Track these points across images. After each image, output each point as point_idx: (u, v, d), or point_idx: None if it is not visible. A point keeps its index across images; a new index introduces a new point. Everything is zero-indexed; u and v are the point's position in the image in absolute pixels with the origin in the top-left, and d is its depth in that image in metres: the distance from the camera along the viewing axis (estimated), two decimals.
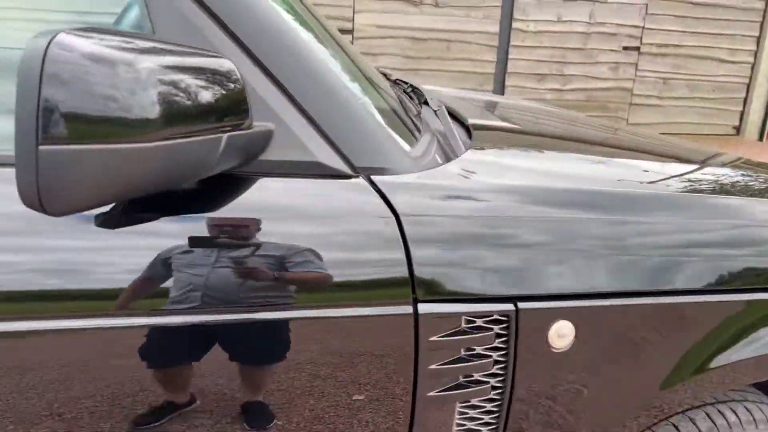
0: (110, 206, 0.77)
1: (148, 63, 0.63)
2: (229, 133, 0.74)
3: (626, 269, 0.96)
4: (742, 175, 1.34)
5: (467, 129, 1.32)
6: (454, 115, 1.43)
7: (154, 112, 0.62)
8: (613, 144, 1.53)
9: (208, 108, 0.70)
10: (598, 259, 0.95)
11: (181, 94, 0.66)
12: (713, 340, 1.00)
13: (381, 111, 1.01)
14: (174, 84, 0.66)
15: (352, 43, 7.14)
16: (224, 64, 0.75)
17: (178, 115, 0.66)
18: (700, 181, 1.21)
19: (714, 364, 1.01)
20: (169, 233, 0.81)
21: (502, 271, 0.92)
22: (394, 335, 0.88)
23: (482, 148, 1.16)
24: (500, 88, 8.10)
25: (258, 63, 0.85)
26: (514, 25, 7.81)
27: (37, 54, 0.56)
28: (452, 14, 7.71)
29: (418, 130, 1.16)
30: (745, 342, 1.01)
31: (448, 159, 1.07)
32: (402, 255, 0.87)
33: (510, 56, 7.94)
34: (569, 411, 0.98)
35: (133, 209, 0.80)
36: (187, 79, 0.68)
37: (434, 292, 0.89)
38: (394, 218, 0.88)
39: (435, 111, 1.26)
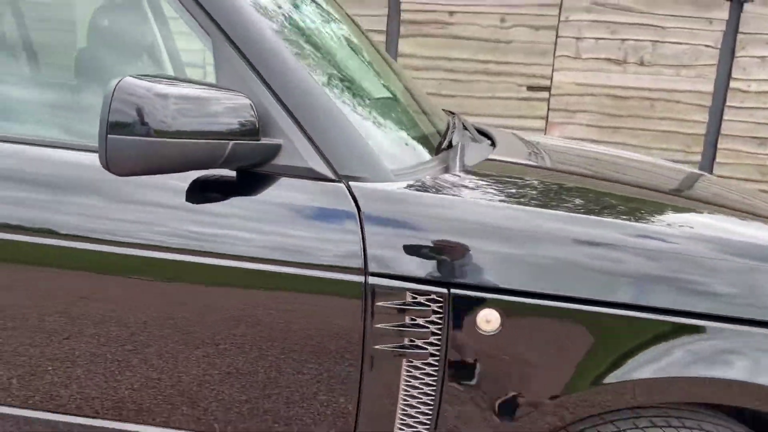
0: None
1: (176, 92, 1.05)
2: (234, 142, 1.12)
3: (547, 275, 1.13)
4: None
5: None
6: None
7: (176, 125, 1.04)
8: (594, 175, 1.64)
9: (219, 125, 1.10)
10: (518, 261, 1.14)
11: (200, 116, 1.07)
12: (611, 355, 1.10)
13: (374, 136, 1.33)
14: (195, 110, 1.07)
15: (548, 99, 7.32)
16: (243, 100, 1.15)
17: (194, 130, 1.07)
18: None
19: (611, 379, 1.10)
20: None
21: (440, 261, 1.17)
22: (350, 297, 1.18)
23: (464, 173, 1.41)
24: (711, 151, 7.53)
25: (279, 101, 1.23)
26: (732, 84, 7.26)
27: (112, 86, 1.02)
28: (660, 72, 7.44)
29: (434, 154, 1.45)
30: (646, 361, 1.09)
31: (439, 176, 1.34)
32: (359, 239, 1.18)
33: (725, 117, 7.37)
34: (491, 388, 1.16)
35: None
36: (208, 107, 1.09)
37: (382, 269, 1.18)
38: (357, 213, 1.20)
39: (452, 144, 1.53)
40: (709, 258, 1.15)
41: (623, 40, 7.48)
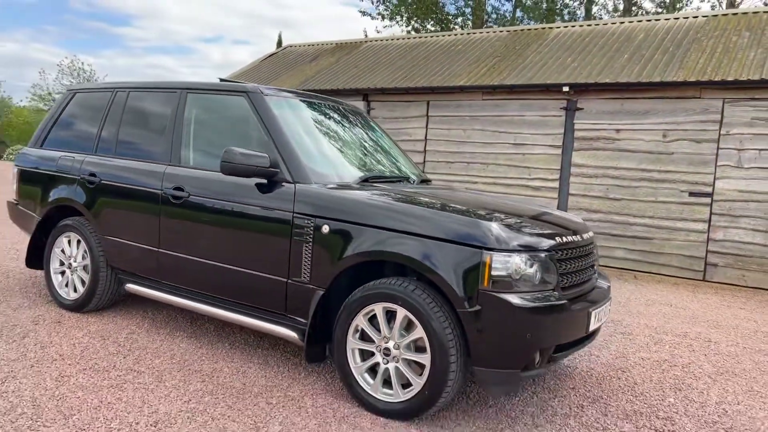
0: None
1: (241, 151, 3.35)
2: (257, 168, 3.37)
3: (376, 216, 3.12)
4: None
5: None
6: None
7: (238, 161, 3.32)
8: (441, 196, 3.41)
9: (251, 162, 3.34)
10: (335, 208, 3.15)
11: (247, 161, 3.34)
12: (343, 247, 3.02)
13: (316, 170, 3.46)
14: (246, 158, 3.33)
15: (710, 204, 7.98)
16: (264, 155, 3.38)
17: (244, 163, 3.34)
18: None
19: (345, 254, 3.02)
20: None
21: (311, 207, 3.24)
22: (286, 222, 3.32)
23: (347, 186, 3.44)
24: None
25: (282, 159, 3.45)
26: None
27: (226, 149, 3.37)
28: None
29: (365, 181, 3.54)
30: (351, 248, 2.98)
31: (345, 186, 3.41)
32: (292, 201, 3.33)
33: None
34: (327, 253, 3.15)
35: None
36: (251, 158, 3.35)
37: (298, 211, 3.30)
38: (293, 193, 3.35)
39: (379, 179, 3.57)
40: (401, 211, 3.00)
41: None
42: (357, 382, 3.06)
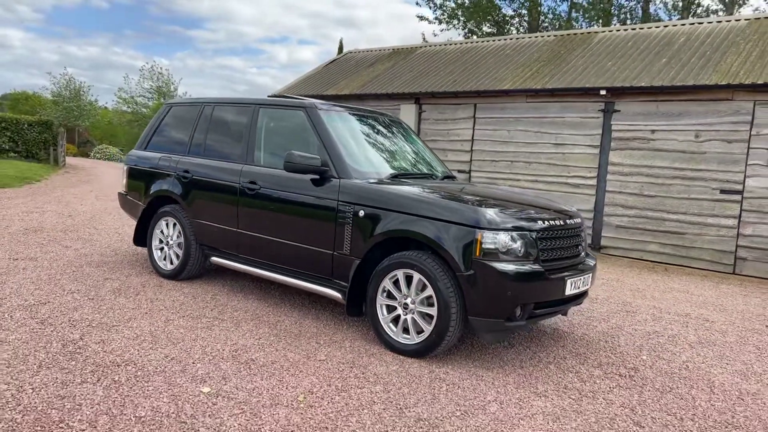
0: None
1: (300, 153, 4.36)
2: (311, 166, 4.36)
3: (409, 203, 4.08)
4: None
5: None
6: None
7: (297, 161, 4.34)
8: (462, 190, 4.30)
9: (307, 162, 4.34)
10: (370, 197, 4.11)
11: (305, 161, 4.35)
12: (373, 227, 3.97)
13: (356, 167, 4.43)
14: (304, 159, 4.34)
15: (740, 201, 8.47)
16: (316, 157, 4.38)
17: (301, 163, 4.36)
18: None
19: (375, 232, 3.96)
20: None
21: (353, 196, 4.22)
22: (332, 209, 4.31)
23: (380, 181, 4.39)
24: None
25: (330, 159, 4.44)
26: None
27: (288, 152, 4.41)
28: None
29: (398, 177, 4.49)
30: (379, 228, 3.91)
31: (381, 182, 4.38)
32: (337, 192, 4.32)
33: None
34: (361, 232, 4.12)
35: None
36: (307, 159, 4.36)
37: (342, 199, 4.29)
38: (338, 186, 4.34)
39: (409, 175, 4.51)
40: (424, 200, 3.91)
41: None
42: (384, 329, 4.02)
